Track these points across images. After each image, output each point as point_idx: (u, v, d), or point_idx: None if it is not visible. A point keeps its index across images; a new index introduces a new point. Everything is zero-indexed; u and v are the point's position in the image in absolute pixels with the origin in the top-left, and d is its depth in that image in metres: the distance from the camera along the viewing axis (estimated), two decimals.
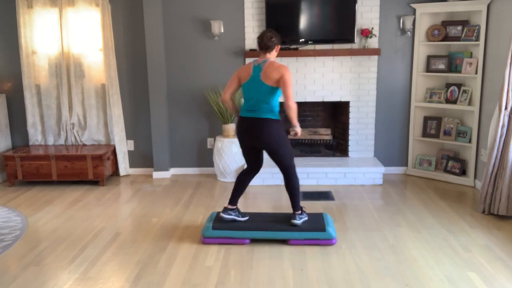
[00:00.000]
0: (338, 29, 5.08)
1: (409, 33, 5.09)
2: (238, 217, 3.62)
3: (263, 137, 3.38)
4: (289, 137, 5.47)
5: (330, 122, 5.70)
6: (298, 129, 3.48)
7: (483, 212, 4.10)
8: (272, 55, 3.44)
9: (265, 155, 3.63)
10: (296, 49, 5.14)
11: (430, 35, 5.05)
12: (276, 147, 3.42)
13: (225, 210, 3.60)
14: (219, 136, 5.32)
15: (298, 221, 3.53)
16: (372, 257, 3.30)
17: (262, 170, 5.00)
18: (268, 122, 3.35)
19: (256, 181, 5.06)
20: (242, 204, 4.47)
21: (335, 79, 5.25)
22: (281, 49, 5.06)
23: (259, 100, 3.36)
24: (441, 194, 4.71)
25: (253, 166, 3.64)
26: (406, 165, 5.44)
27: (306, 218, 3.60)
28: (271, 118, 3.36)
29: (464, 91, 4.94)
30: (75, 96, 5.39)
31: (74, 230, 3.89)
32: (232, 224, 3.56)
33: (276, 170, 5.01)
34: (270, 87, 3.33)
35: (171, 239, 3.67)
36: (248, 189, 4.92)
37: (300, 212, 3.57)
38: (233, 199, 3.63)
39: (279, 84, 3.31)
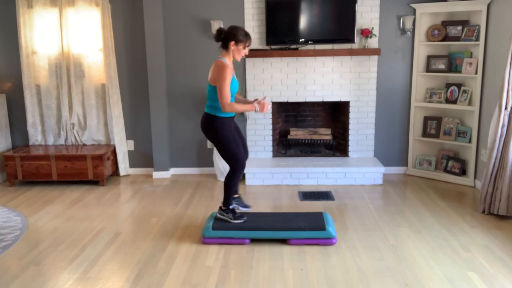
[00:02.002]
0: (338, 29, 5.08)
1: (409, 33, 5.09)
2: (240, 205, 3.71)
3: (205, 131, 3.47)
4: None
5: (330, 122, 5.70)
6: (257, 105, 3.38)
7: (483, 212, 4.10)
8: (228, 53, 3.36)
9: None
10: (296, 49, 5.14)
11: (430, 35, 5.05)
12: (216, 143, 3.45)
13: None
14: None
15: (219, 215, 3.61)
16: (372, 257, 3.30)
17: (261, 170, 5.06)
18: (209, 118, 3.40)
19: (256, 181, 5.06)
20: None
21: (335, 79, 5.25)
22: (281, 49, 5.11)
23: (207, 97, 3.44)
24: (441, 194, 4.71)
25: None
26: (406, 165, 5.44)
27: (231, 219, 3.56)
28: (212, 114, 3.38)
29: (464, 91, 4.94)
30: (75, 96, 5.39)
31: (74, 230, 3.89)
32: (232, 224, 3.57)
33: (276, 170, 5.05)
34: (210, 85, 3.36)
35: (171, 239, 3.67)
36: (248, 189, 4.93)
37: (226, 209, 3.58)
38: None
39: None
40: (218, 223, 3.59)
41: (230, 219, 3.57)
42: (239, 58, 3.41)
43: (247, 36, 3.35)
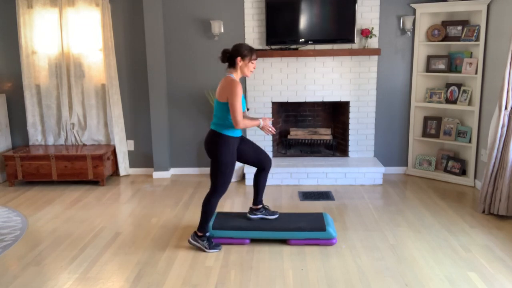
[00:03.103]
0: (338, 29, 5.08)
1: (409, 33, 5.09)
2: (266, 215, 3.65)
3: (208, 147, 3.36)
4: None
5: (330, 122, 5.70)
6: (262, 121, 3.40)
7: (483, 212, 4.10)
8: (236, 70, 3.32)
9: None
10: (296, 49, 5.14)
11: (430, 35, 5.05)
12: (212, 158, 3.34)
13: (251, 210, 3.68)
14: None
15: (192, 241, 3.44)
16: (372, 257, 3.30)
17: None
18: (215, 135, 3.31)
19: None
20: (243, 204, 4.48)
21: (335, 79, 5.25)
22: (281, 49, 5.11)
23: (214, 114, 3.38)
24: (441, 194, 4.71)
25: (256, 166, 3.60)
26: (406, 165, 5.44)
27: (206, 248, 3.39)
28: (218, 132, 3.30)
29: (464, 91, 4.94)
30: (75, 96, 5.39)
31: (74, 230, 3.89)
32: (232, 224, 3.57)
33: (276, 170, 5.05)
34: (218, 102, 3.30)
35: (171, 239, 3.67)
36: (248, 189, 4.93)
37: (201, 235, 3.42)
38: (255, 200, 3.67)
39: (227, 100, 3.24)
40: (218, 223, 3.59)
41: (205, 247, 3.39)
42: (248, 74, 3.35)
43: (251, 50, 3.31)
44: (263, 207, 3.68)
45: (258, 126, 3.41)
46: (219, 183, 3.34)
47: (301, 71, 5.25)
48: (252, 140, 5.36)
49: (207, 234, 3.44)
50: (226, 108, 3.25)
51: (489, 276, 3.01)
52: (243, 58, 3.28)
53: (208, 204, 3.38)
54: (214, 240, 3.50)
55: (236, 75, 3.33)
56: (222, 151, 3.29)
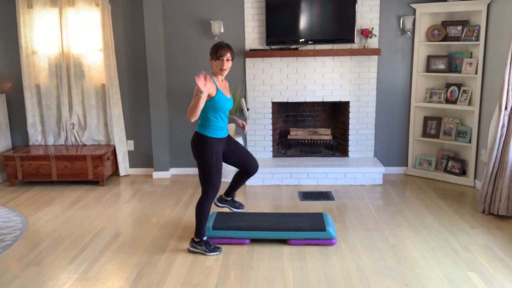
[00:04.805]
0: (338, 29, 5.08)
1: (409, 33, 5.09)
2: (232, 208, 3.70)
3: (192, 149, 3.36)
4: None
5: (330, 122, 5.70)
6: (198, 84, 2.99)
7: (483, 212, 4.10)
8: (213, 70, 3.30)
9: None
10: (296, 49, 5.14)
11: (430, 35, 5.05)
12: (197, 160, 3.32)
13: (219, 198, 3.72)
14: None
15: (191, 248, 3.40)
16: (372, 257, 3.30)
17: (261, 170, 5.04)
18: (197, 136, 3.31)
19: (256, 181, 5.06)
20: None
21: (335, 79, 5.25)
22: (281, 49, 5.11)
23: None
24: (441, 194, 4.71)
25: (241, 169, 3.55)
26: (406, 165, 5.44)
27: (205, 251, 3.36)
28: (200, 133, 3.30)
29: (464, 91, 4.94)
30: (75, 96, 5.39)
31: (74, 230, 3.89)
32: (232, 224, 3.57)
33: (276, 170, 5.05)
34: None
35: (171, 239, 3.67)
36: (248, 189, 4.93)
37: (198, 240, 3.37)
38: (228, 192, 3.69)
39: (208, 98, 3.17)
40: (218, 223, 3.59)
41: (205, 252, 3.36)
42: (220, 72, 3.25)
43: (216, 48, 3.20)
44: (232, 200, 3.72)
45: (201, 94, 3.00)
46: (208, 186, 3.27)
47: (301, 71, 5.25)
48: (252, 140, 5.42)
49: (204, 238, 3.40)
50: (205, 108, 3.21)
51: (489, 276, 3.01)
52: (211, 57, 3.25)
53: (201, 209, 3.32)
54: (214, 240, 3.51)
55: (214, 74, 3.28)
56: (204, 153, 3.24)
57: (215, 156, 3.26)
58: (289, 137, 5.58)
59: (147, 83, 5.32)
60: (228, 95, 3.36)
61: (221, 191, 3.57)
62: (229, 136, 3.45)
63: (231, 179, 3.66)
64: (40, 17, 5.25)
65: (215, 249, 3.40)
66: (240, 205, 3.77)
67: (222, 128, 3.33)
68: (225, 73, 3.29)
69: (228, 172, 5.20)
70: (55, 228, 3.94)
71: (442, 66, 5.04)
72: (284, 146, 5.60)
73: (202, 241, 3.39)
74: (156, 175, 5.47)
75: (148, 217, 4.16)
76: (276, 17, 5.06)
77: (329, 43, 5.11)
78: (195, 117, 3.08)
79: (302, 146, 5.67)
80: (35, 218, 4.18)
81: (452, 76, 5.08)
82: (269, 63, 5.25)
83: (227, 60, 3.22)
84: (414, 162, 5.38)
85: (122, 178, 5.48)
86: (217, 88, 3.22)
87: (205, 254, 3.37)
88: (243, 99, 5.20)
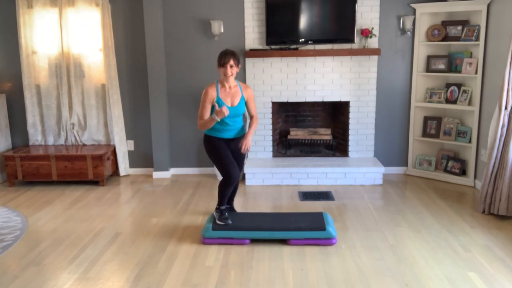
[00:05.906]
0: (338, 29, 5.08)
1: (409, 33, 5.09)
2: (217, 219, 3.68)
3: (205, 149, 3.76)
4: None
5: (330, 122, 5.70)
6: (215, 115, 3.47)
7: (483, 212, 4.10)
8: (221, 77, 3.62)
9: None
10: (296, 49, 5.14)
11: (430, 35, 5.05)
12: (211, 159, 3.72)
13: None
14: None
15: (215, 212, 3.74)
16: (372, 257, 3.30)
17: (261, 170, 5.06)
18: (204, 136, 3.72)
19: (256, 181, 5.07)
20: (242, 204, 4.48)
21: (335, 79, 5.25)
22: (281, 49, 5.12)
23: None
24: (441, 194, 4.71)
25: None
26: (406, 165, 5.44)
27: (220, 218, 3.60)
28: (206, 134, 3.69)
29: (464, 91, 4.94)
30: (75, 96, 5.39)
31: (74, 230, 3.89)
32: (232, 224, 3.57)
33: (276, 170, 5.05)
34: None
35: (171, 239, 3.67)
36: (248, 189, 4.93)
37: (217, 208, 3.70)
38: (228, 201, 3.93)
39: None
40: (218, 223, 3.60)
41: (216, 218, 3.66)
42: (225, 78, 3.55)
43: (221, 56, 3.53)
44: (230, 208, 3.92)
45: (214, 118, 3.47)
46: (224, 174, 3.62)
47: (301, 71, 5.25)
48: (252, 140, 5.41)
49: (222, 207, 3.67)
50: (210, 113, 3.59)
51: (489, 276, 3.01)
52: (218, 64, 3.57)
53: (221, 189, 3.67)
54: (214, 240, 3.52)
55: (221, 81, 3.61)
56: (211, 149, 3.66)
57: (215, 146, 3.63)
58: (289, 137, 5.58)
59: (147, 83, 5.32)
60: (232, 103, 3.60)
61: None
62: (236, 140, 3.70)
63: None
64: (40, 17, 5.25)
65: (224, 219, 3.59)
66: (226, 219, 3.59)
67: (226, 131, 3.63)
68: (231, 78, 3.57)
69: None
70: (55, 228, 3.94)
71: (442, 66, 5.04)
72: (284, 146, 5.61)
73: (219, 209, 3.68)
74: (156, 175, 5.47)
75: (148, 217, 4.16)
76: (276, 17, 5.06)
77: (329, 43, 5.11)
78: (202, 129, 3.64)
79: (302, 146, 5.67)
80: (35, 218, 4.18)
81: (452, 76, 5.08)
82: (269, 63, 5.25)
83: (231, 66, 3.51)
84: (414, 162, 5.38)
85: (122, 178, 5.48)
86: (217, 96, 3.55)
87: (215, 219, 3.64)
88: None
